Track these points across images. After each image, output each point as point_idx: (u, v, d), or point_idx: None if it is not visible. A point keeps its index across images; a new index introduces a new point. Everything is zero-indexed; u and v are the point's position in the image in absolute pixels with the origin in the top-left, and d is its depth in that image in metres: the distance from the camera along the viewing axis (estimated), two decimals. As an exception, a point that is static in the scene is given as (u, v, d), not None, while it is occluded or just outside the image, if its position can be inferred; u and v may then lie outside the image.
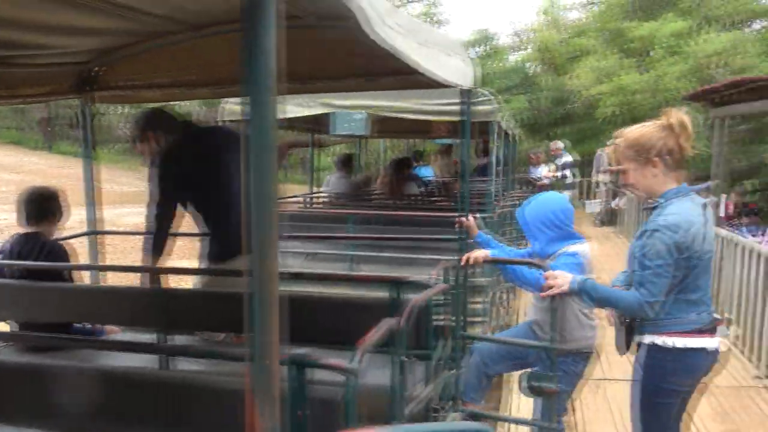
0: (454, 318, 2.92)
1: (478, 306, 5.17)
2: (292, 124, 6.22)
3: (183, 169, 3.07)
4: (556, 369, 2.77)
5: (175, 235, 3.24)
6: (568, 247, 2.99)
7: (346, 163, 8.08)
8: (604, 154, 13.72)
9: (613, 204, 14.38)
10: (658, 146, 2.39)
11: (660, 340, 2.44)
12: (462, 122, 3.22)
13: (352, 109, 5.03)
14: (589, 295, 2.56)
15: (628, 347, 2.61)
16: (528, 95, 18.38)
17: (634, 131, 2.47)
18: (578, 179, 13.13)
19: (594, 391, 5.03)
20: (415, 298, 2.19)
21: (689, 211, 2.37)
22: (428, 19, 19.28)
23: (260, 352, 1.07)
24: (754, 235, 9.46)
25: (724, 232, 6.72)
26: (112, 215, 11.30)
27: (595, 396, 4.96)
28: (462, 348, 2.98)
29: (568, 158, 12.59)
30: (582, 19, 19.98)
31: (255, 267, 1.04)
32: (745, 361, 5.54)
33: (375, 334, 1.76)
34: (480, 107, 4.90)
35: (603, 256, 11.05)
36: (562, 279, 2.59)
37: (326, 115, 5.33)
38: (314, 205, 7.56)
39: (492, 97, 4.92)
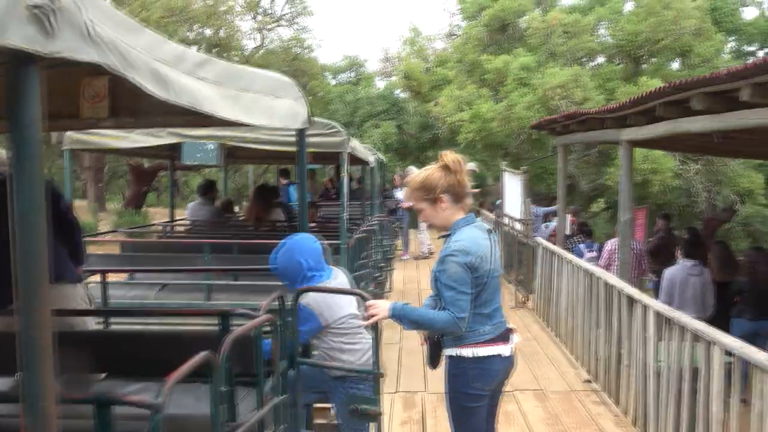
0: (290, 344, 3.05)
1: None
2: (143, 153, 6.12)
3: None
4: (378, 392, 2.98)
5: None
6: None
7: (208, 190, 8.00)
8: None
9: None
10: (441, 184, 2.74)
11: (461, 351, 2.75)
12: (298, 159, 3.40)
13: (202, 139, 5.07)
14: (408, 318, 2.80)
15: (434, 363, 2.89)
16: (397, 120, 19.08)
17: (419, 175, 2.82)
18: None
19: (442, 405, 5.36)
20: (236, 330, 2.30)
21: (476, 237, 2.74)
22: (297, 45, 19.53)
23: (32, 393, 1.14)
24: (589, 251, 10.47)
25: (558, 249, 7.41)
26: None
27: (442, 409, 5.29)
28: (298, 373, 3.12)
29: None
30: (447, 49, 21.12)
31: (23, 310, 1.11)
32: (578, 366, 6.14)
33: (185, 369, 1.85)
34: (329, 138, 5.12)
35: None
36: (380, 306, 2.83)
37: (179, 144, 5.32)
38: (175, 233, 7.42)
39: (341, 129, 5.16)
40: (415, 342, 7.01)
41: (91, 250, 6.67)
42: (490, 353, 2.75)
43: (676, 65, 18.52)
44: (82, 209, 22.41)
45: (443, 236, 2.83)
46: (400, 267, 12.71)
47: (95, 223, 17.30)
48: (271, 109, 2.69)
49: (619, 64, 16.84)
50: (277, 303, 2.95)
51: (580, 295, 6.13)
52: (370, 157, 8.64)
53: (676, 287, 6.65)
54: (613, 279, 5.17)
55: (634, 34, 14.86)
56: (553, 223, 12.41)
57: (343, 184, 5.46)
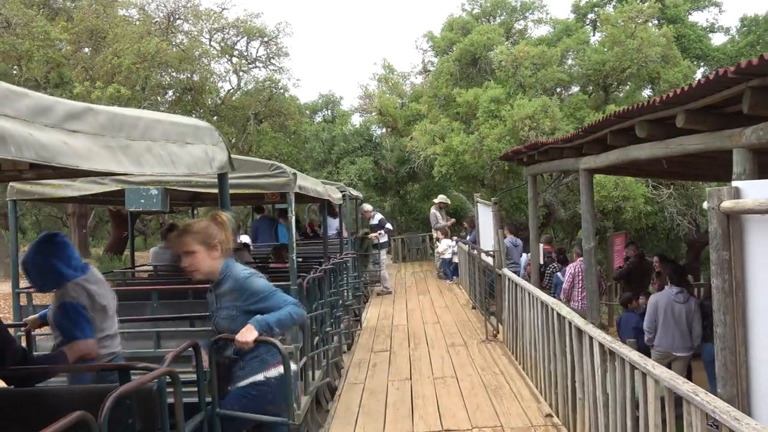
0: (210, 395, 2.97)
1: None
2: (95, 200, 6.09)
3: None
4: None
5: None
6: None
7: (170, 234, 7.93)
8: (437, 211, 14.66)
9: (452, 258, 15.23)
10: (218, 236, 3.17)
11: (268, 373, 3.10)
12: (221, 203, 3.38)
13: (146, 184, 5.04)
14: (272, 324, 3.06)
15: (224, 393, 3.05)
16: (373, 156, 19.17)
17: (200, 224, 3.21)
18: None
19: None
20: (120, 387, 2.23)
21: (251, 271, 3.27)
22: (272, 85, 19.71)
23: None
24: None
25: (520, 280, 7.35)
26: None
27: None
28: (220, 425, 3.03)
29: (379, 216, 13.34)
30: (424, 85, 21.39)
31: None
32: (541, 400, 6.03)
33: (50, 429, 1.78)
34: (274, 179, 5.10)
35: (440, 308, 11.64)
36: (247, 333, 3.00)
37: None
38: (135, 280, 7.35)
39: (286, 169, 5.14)
40: (380, 382, 6.91)
41: (44, 299, 6.57)
42: (292, 369, 3.22)
43: (648, 92, 18.84)
44: (63, 256, 22.23)
45: (216, 283, 3.20)
46: (376, 303, 12.61)
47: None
48: (173, 156, 2.66)
49: (590, 93, 17.09)
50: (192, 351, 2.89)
51: (539, 326, 6.07)
52: (336, 194, 8.62)
53: (660, 313, 6.62)
54: (564, 310, 5.12)
55: (601, 63, 15.11)
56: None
57: (292, 224, 5.41)
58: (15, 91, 1.79)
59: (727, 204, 3.05)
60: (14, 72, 16.45)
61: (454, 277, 14.43)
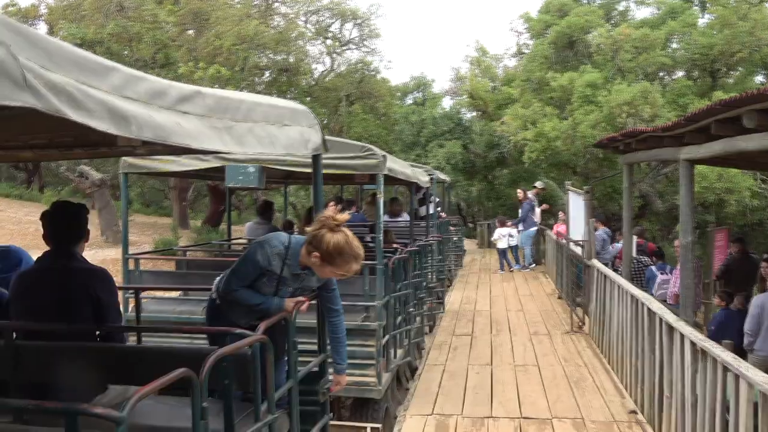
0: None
1: (371, 349, 5.43)
2: (198, 175, 6.44)
3: None
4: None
5: None
6: None
7: (266, 210, 8.26)
8: (533, 196, 14.37)
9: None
10: None
11: None
12: (314, 183, 3.52)
13: (244, 162, 5.29)
14: None
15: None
16: (462, 140, 19.02)
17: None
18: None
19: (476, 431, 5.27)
20: (220, 349, 2.40)
21: None
22: (364, 67, 19.92)
23: None
24: (662, 272, 10.01)
25: (609, 272, 7.14)
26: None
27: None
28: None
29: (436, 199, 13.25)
30: (518, 68, 20.94)
31: None
32: (626, 396, 5.89)
33: (156, 385, 1.96)
34: (365, 161, 5.22)
35: (524, 296, 11.51)
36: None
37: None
38: (231, 252, 7.73)
39: (376, 151, 5.25)
40: (460, 365, 6.96)
41: (147, 265, 7.06)
42: None
43: (761, 78, 17.56)
44: (165, 227, 23.68)
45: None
46: (459, 287, 12.63)
47: (175, 240, 18.26)
48: (272, 137, 2.80)
49: (696, 78, 16.14)
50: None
51: (627, 320, 5.90)
52: (423, 177, 8.67)
53: (765, 316, 6.18)
54: (655, 305, 4.95)
55: (708, 47, 14.22)
56: (620, 244, 11.98)
57: (380, 206, 5.52)
58: (135, 75, 1.95)
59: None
60: (125, 53, 17.52)
61: (517, 267, 14.21)
